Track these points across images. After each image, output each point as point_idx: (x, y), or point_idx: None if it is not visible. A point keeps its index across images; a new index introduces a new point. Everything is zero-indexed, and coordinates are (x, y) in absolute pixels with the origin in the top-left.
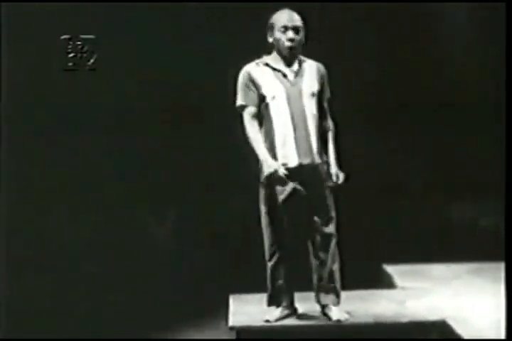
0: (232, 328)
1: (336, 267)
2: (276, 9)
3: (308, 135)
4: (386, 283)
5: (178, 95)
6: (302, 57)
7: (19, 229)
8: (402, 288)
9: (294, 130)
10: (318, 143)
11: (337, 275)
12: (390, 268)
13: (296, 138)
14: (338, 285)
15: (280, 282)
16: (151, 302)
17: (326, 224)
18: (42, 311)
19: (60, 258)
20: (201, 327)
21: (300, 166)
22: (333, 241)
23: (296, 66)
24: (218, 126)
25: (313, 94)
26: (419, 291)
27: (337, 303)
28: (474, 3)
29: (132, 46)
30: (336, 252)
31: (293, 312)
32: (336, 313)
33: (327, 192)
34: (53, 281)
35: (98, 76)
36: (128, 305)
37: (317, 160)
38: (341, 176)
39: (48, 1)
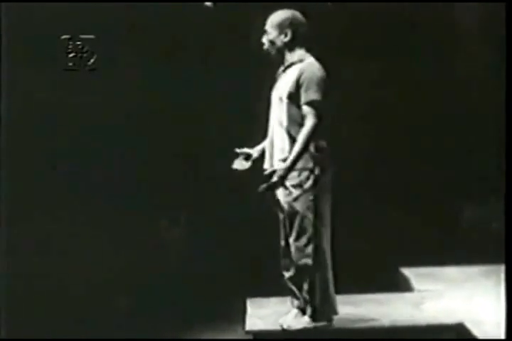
0: (248, 332)
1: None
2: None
3: (271, 141)
4: (403, 285)
5: (179, 95)
6: (300, 58)
7: (24, 229)
8: (418, 290)
9: (265, 136)
10: (284, 149)
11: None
12: (407, 271)
13: (267, 144)
14: (307, 295)
15: (285, 281)
16: (166, 306)
17: (290, 236)
18: (44, 311)
19: (68, 261)
20: (218, 330)
21: (265, 171)
22: (303, 261)
23: (282, 70)
24: (224, 126)
25: (280, 99)
26: (435, 294)
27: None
28: (474, 3)
29: (132, 46)
30: (307, 267)
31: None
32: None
33: (290, 200)
34: (61, 284)
35: (98, 76)
36: (143, 309)
37: (277, 166)
38: (266, 184)
39: (48, 1)
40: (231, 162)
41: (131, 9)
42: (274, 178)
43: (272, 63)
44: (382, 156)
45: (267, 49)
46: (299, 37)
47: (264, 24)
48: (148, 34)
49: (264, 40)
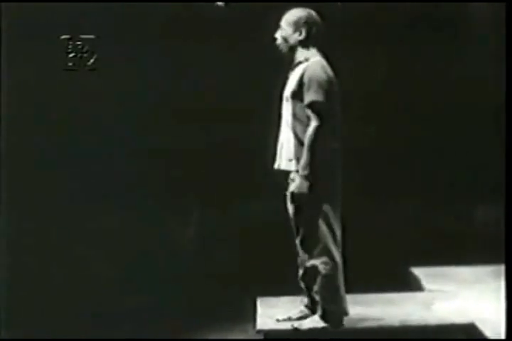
0: (259, 331)
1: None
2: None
3: (282, 140)
4: (413, 285)
5: (179, 95)
6: (307, 57)
7: (30, 228)
8: (429, 290)
9: (276, 135)
10: (290, 149)
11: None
12: (417, 271)
13: (279, 144)
14: (317, 296)
15: (299, 279)
16: (177, 305)
17: (297, 237)
18: (44, 311)
19: (69, 261)
20: (228, 330)
21: (274, 170)
22: (311, 262)
23: (291, 68)
24: (229, 127)
25: (287, 99)
26: (446, 294)
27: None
28: (474, 3)
29: (132, 46)
30: (315, 269)
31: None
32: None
33: (296, 202)
34: (68, 284)
35: (98, 76)
36: (153, 309)
37: (285, 166)
38: (291, 186)
39: (48, 1)
40: (241, 161)
41: (131, 9)
42: (289, 189)
43: (284, 62)
44: (393, 157)
45: (279, 45)
46: (312, 36)
47: (276, 24)
48: (148, 34)
49: (278, 35)
